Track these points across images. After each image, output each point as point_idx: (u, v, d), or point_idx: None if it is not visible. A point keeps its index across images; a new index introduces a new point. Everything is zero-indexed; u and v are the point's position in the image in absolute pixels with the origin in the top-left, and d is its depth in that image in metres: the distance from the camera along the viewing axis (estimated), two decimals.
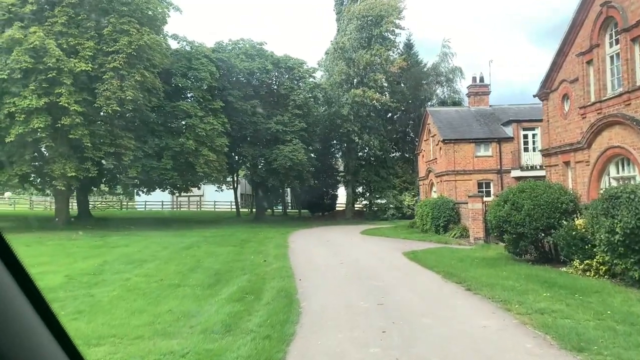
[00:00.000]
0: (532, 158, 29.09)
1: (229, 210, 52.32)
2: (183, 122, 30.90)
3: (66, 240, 22.89)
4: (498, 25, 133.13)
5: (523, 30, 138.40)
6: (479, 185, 29.93)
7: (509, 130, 30.11)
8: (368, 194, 47.47)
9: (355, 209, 50.93)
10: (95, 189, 41.49)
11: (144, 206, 60.45)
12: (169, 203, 61.24)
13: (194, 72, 32.71)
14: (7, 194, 61.28)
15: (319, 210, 50.46)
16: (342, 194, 52.46)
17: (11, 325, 1.14)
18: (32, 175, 26.66)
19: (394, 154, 49.83)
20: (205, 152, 30.93)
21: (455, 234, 26.19)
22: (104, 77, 26.31)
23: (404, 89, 45.65)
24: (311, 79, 40.46)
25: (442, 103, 49.33)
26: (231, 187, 46.25)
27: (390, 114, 49.78)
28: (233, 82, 37.75)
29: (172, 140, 30.74)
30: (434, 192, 34.33)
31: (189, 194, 68.36)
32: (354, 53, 42.37)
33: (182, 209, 61.60)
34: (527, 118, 30.16)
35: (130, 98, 26.50)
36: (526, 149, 29.69)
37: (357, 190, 48.90)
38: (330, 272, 14.15)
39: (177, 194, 69.59)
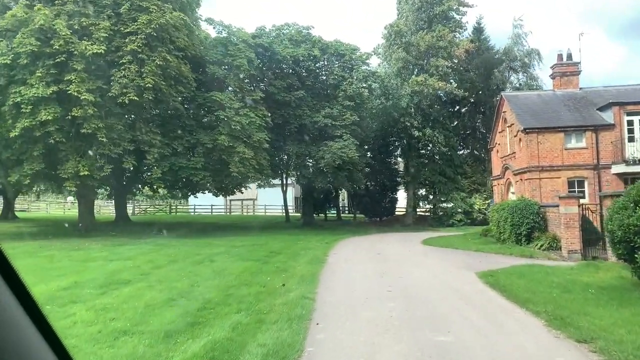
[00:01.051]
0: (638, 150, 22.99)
1: (281, 214, 48.39)
2: (215, 115, 27.10)
3: (68, 250, 19.50)
4: (572, 17, 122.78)
5: (599, 23, 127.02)
6: (570, 184, 24.11)
7: (607, 116, 24.10)
8: (431, 197, 42.05)
9: (417, 214, 45.61)
10: (137, 191, 38.55)
11: (193, 210, 57.96)
12: (222, 207, 58.42)
13: (230, 59, 28.92)
14: (70, 198, 60.72)
15: (376, 215, 45.55)
16: (402, 197, 47.29)
17: (6, 330, 1.21)
18: (44, 174, 23.43)
19: (461, 151, 44.15)
20: (241, 148, 26.98)
21: (541, 245, 20.71)
22: (120, 62, 22.91)
23: (473, 77, 39.94)
24: (365, 67, 35.74)
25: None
26: (278, 188, 42.27)
27: (457, 107, 44.17)
28: (275, 72, 33.75)
29: (205, 136, 27.03)
30: (512, 193, 28.66)
31: (242, 197, 65.81)
32: (412, 36, 37.27)
33: (233, 213, 58.55)
34: (632, 100, 24.09)
35: (150, 86, 22.96)
36: (631, 139, 23.57)
37: (418, 193, 43.59)
38: (369, 309, 9.45)
39: (229, 197, 67.05)
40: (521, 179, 25.72)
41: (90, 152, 23.75)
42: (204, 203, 51.85)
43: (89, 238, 24.50)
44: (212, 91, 27.51)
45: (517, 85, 43.21)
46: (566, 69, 27.56)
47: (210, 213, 54.60)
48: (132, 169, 27.03)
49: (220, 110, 27.03)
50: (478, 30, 44.88)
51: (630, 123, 23.73)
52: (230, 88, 28.87)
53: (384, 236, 29.52)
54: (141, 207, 57.44)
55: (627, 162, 22.92)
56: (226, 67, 29.23)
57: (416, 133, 37.77)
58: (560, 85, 27.55)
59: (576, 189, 24.10)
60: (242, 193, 36.47)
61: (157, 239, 24.84)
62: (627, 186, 23.75)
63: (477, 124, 46.76)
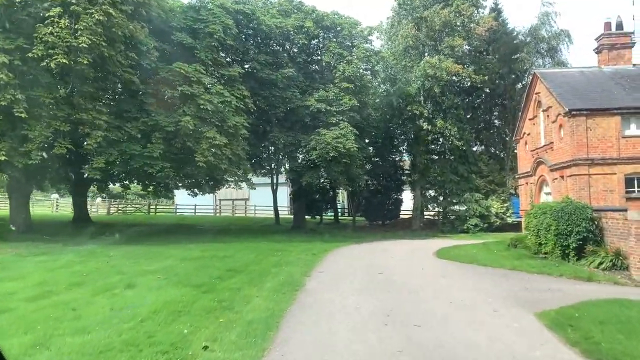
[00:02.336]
0: None
1: (273, 216, 42.74)
2: (179, 91, 21.69)
3: None
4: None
5: None
6: (628, 182, 18.71)
7: None
8: (442, 199, 36.55)
9: (425, 217, 40.15)
10: (101, 186, 33.15)
11: (174, 210, 52.60)
12: (211, 207, 53.07)
13: (201, 25, 23.58)
14: (54, 195, 55.46)
15: (378, 217, 40.07)
16: (407, 198, 41.82)
17: None
18: None
19: (475, 148, 38.71)
20: (211, 133, 21.62)
21: (599, 263, 15.28)
22: (47, 14, 17.56)
23: (493, 61, 34.46)
24: (367, 45, 30.32)
25: None
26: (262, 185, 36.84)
27: (472, 96, 38.73)
28: (260, 46, 28.41)
29: (166, 117, 21.67)
30: (546, 194, 23.25)
31: (233, 196, 60.28)
32: (425, 11, 31.88)
33: (223, 214, 53.17)
34: None
35: (86, 46, 17.58)
36: None
37: (427, 194, 38.13)
38: None
39: (218, 197, 61.41)
40: (561, 176, 20.31)
41: (13, 134, 18.37)
42: (197, 203, 46.46)
43: (12, 242, 19.18)
44: (177, 62, 22.11)
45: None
46: (616, 40, 22.17)
47: (193, 214, 49.25)
48: (72, 157, 21.60)
49: (185, 85, 21.64)
50: (496, 10, 39.40)
51: None
52: (199, 59, 23.46)
53: (388, 245, 24.07)
54: (119, 206, 52.07)
55: None
56: (196, 34, 23.84)
57: (425, 124, 32.43)
58: (608, 60, 22.16)
59: (636, 189, 18.68)
60: (218, 190, 31.10)
61: (99, 245, 19.51)
62: None
63: (493, 118, 41.34)
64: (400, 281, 12.54)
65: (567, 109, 18.97)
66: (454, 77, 34.49)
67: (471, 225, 33.34)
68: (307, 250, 19.45)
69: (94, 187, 33.60)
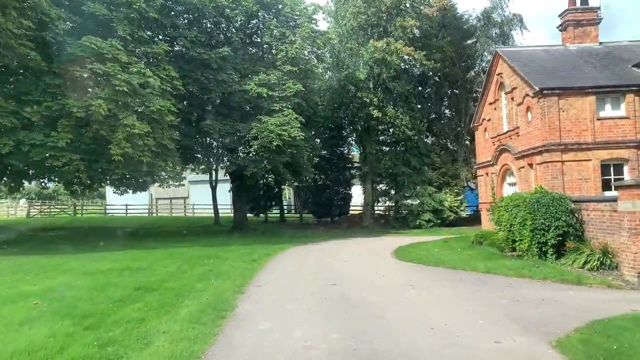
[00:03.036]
0: None
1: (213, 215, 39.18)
2: (89, 69, 18.11)
3: None
4: None
5: None
6: (604, 168, 16.88)
7: None
8: (393, 192, 34.34)
9: (376, 212, 37.92)
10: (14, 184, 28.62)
11: (104, 211, 48.06)
12: (146, 207, 48.84)
13: None
14: (22, 201, 49.59)
15: (326, 214, 37.47)
16: (357, 192, 39.48)
17: None
18: None
19: (426, 139, 36.76)
20: (129, 120, 18.16)
21: (585, 262, 13.22)
22: None
23: (444, 47, 32.48)
24: (312, 25, 27.48)
25: None
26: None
27: (423, 85, 36.78)
28: (191, 22, 25.07)
29: (75, 101, 18.02)
30: (510, 184, 21.30)
31: (171, 195, 55.99)
32: None
33: (160, 215, 49.11)
34: None
35: None
36: None
37: (378, 188, 35.87)
38: None
39: (154, 196, 56.87)
40: (530, 164, 18.30)
41: None
42: (130, 202, 42.25)
43: None
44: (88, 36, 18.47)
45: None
46: (581, 16, 20.43)
47: (124, 215, 44.98)
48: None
49: (96, 63, 18.07)
50: None
51: None
52: (118, 34, 19.92)
53: (339, 245, 21.42)
54: (41, 208, 46.99)
55: None
56: (113, 4, 20.24)
57: (376, 113, 29.99)
58: (573, 38, 20.37)
59: (612, 176, 16.86)
60: (150, 187, 27.48)
61: None
62: None
63: (444, 106, 39.56)
64: (359, 297, 9.82)
65: (537, 88, 16.88)
66: (404, 65, 32.35)
67: (424, 220, 31.34)
68: (245, 256, 16.46)
69: (4, 186, 29.06)
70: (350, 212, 38.99)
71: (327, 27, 32.66)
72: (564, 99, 16.83)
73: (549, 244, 14.40)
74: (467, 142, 36.52)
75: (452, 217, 32.68)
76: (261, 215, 38.82)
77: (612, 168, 16.86)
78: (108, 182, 24.06)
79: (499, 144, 21.26)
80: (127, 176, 22.36)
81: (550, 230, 14.34)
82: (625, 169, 16.81)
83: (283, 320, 7.88)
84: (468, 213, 35.81)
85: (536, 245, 14.57)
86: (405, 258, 16.08)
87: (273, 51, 27.32)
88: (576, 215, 14.60)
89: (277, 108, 23.91)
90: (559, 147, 16.68)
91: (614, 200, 13.17)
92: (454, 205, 33.05)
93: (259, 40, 28.06)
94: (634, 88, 16.61)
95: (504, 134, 20.83)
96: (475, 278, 12.37)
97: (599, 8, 20.41)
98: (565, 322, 7.70)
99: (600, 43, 20.37)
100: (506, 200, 16.14)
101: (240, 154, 25.09)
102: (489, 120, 22.75)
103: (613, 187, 12.83)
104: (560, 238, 14.35)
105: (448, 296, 9.97)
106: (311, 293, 10.34)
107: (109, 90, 18.12)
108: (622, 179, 16.84)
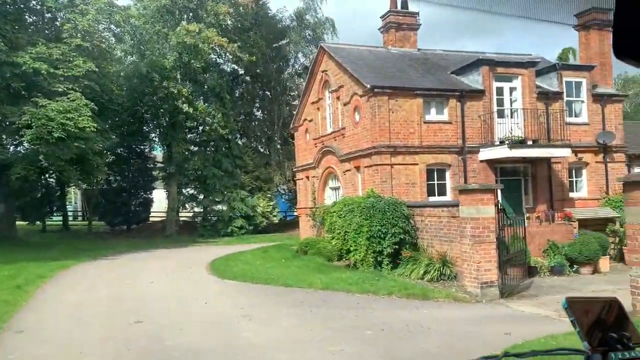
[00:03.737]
0: (514, 129, 16.54)
1: None
2: None
3: None
4: None
5: None
6: (429, 173, 16.49)
7: (472, 81, 17.24)
8: (202, 197, 31.15)
9: (182, 219, 34.21)
10: None
11: None
12: None
13: None
14: None
15: (122, 222, 32.51)
16: (159, 197, 35.25)
17: None
18: None
19: (240, 141, 34.49)
20: None
21: (424, 273, 12.25)
22: None
23: (258, 44, 30.61)
24: None
25: (307, 69, 35.47)
26: None
27: (236, 82, 34.45)
28: None
29: None
30: (332, 189, 20.12)
31: None
32: None
33: None
34: (502, 60, 17.78)
35: None
36: (501, 113, 17.08)
37: (185, 192, 32.34)
38: None
39: None
40: (356, 167, 17.18)
41: None
42: None
43: None
44: None
45: (308, 63, 35.61)
46: (402, 19, 20.25)
47: None
48: None
49: None
50: None
51: (499, 92, 17.24)
52: None
53: (140, 260, 17.65)
54: None
55: (506, 143, 16.10)
56: None
57: (185, 107, 26.66)
58: (395, 41, 20.05)
59: (435, 181, 16.57)
60: None
61: None
62: (499, 179, 17.47)
63: (256, 107, 37.78)
64: (177, 342, 6.84)
65: (368, 86, 15.76)
66: (216, 58, 29.68)
67: (236, 227, 28.97)
68: (6, 280, 11.95)
69: None
70: (151, 219, 34.57)
71: (130, 5, 28.17)
72: (394, 100, 16.00)
73: (385, 253, 13.17)
74: (278, 146, 35.26)
75: (265, 223, 30.96)
76: (38, 222, 32.06)
77: (435, 173, 16.58)
78: None
79: (322, 146, 19.92)
80: None
81: (387, 238, 13.11)
82: (447, 174, 16.67)
83: None
84: (280, 219, 34.59)
85: (372, 254, 13.20)
86: (227, 274, 13.36)
87: (57, 23, 22.22)
88: (411, 221, 13.66)
89: (60, 89, 19.12)
90: (389, 150, 15.77)
91: (454, 205, 12.42)
92: (267, 211, 31.38)
93: (39, 6, 22.55)
94: (457, 93, 16.57)
95: (328, 135, 19.55)
96: (318, 298, 10.30)
97: (417, 13, 20.50)
98: None
99: (419, 49, 20.45)
100: (339, 204, 14.57)
101: (6, 146, 19.49)
102: (311, 120, 21.34)
103: (458, 191, 11.97)
104: (397, 246, 13.22)
105: (297, 330, 7.62)
106: (105, 340, 7.03)
107: None
108: (445, 184, 16.69)
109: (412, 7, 20.43)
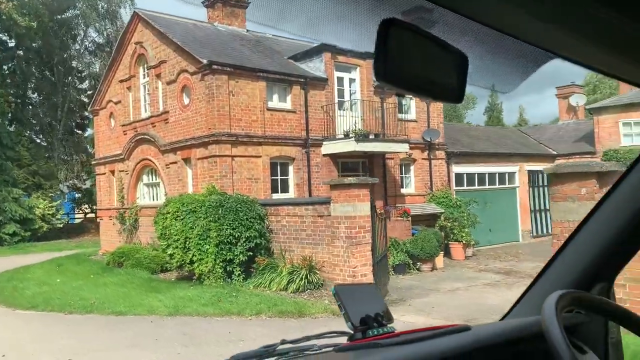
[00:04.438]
0: (357, 122, 15.71)
1: None
2: None
3: None
4: None
5: None
6: (273, 167, 14.59)
7: (314, 69, 15.91)
8: None
9: None
10: None
11: None
12: None
13: None
14: None
15: None
16: None
17: None
18: None
19: (11, 127, 27.85)
20: None
21: (288, 283, 10.37)
22: None
23: (39, 8, 24.84)
24: None
25: (101, 47, 30.33)
26: None
27: (7, 52, 27.75)
28: None
29: None
30: (147, 185, 16.82)
31: None
32: None
33: None
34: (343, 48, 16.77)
35: None
36: (342, 106, 16.11)
37: None
38: None
39: None
40: (185, 159, 14.44)
41: None
42: None
43: None
44: None
45: (101, 41, 30.47)
46: None
47: None
48: None
49: None
50: None
51: (340, 82, 16.25)
52: None
53: None
54: None
55: (351, 136, 15.10)
56: None
57: None
58: (222, 17, 17.66)
59: (279, 176, 14.80)
60: None
61: None
62: (341, 175, 16.33)
63: (30, 88, 31.17)
64: None
65: (204, 62, 13.14)
66: None
67: (8, 234, 23.22)
68: None
69: None
70: None
71: None
72: (234, 80, 13.66)
73: (237, 261, 10.90)
74: (60, 136, 29.50)
75: (45, 229, 25.46)
76: None
77: (278, 167, 14.76)
78: None
79: (136, 134, 16.45)
80: None
81: (240, 244, 10.86)
82: (291, 168, 14.98)
83: None
84: (66, 222, 29.05)
85: (221, 264, 10.78)
86: (21, 302, 9.50)
87: None
88: (266, 223, 11.61)
89: None
90: (230, 139, 13.39)
91: (321, 203, 10.77)
92: (48, 214, 25.88)
93: None
94: (301, 80, 15.00)
95: (144, 120, 16.19)
96: (173, 331, 7.58)
97: None
98: None
99: (248, 30, 18.39)
100: (174, 204, 11.68)
101: None
102: (118, 102, 17.58)
103: (331, 185, 10.30)
104: (251, 253, 11.05)
105: None
106: None
107: None
108: (288, 179, 15.00)
109: None
